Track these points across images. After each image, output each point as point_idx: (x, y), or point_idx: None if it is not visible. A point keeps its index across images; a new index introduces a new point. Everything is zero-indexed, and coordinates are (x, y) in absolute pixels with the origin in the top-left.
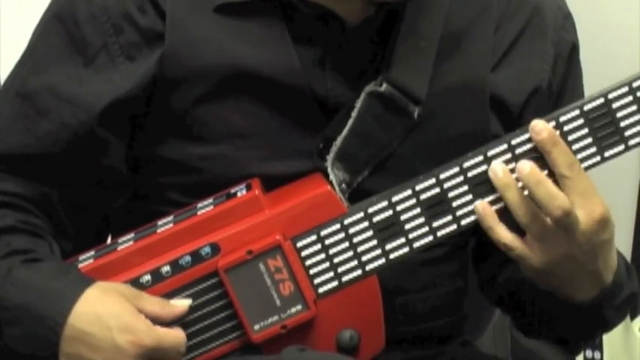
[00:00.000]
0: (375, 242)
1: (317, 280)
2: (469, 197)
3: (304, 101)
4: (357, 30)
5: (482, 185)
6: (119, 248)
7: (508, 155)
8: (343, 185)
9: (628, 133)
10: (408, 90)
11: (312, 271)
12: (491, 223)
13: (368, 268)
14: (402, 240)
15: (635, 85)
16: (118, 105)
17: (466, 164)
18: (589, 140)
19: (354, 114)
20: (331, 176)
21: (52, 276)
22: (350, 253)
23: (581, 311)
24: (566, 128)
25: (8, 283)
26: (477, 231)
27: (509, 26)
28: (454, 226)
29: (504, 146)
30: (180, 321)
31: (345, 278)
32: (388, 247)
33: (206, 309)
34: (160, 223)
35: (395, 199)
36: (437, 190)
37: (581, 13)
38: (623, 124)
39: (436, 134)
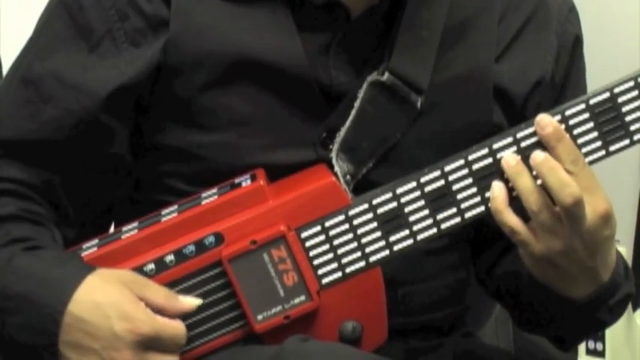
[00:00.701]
0: (379, 234)
1: (321, 271)
2: (473, 190)
3: (308, 90)
4: (361, 19)
5: (486, 178)
6: (123, 237)
7: (513, 148)
8: (348, 176)
9: (633, 127)
10: (410, 80)
11: (315, 262)
12: (502, 206)
13: (372, 259)
14: (406, 232)
15: None
16: (122, 91)
17: (471, 157)
18: (594, 134)
19: (356, 104)
20: (336, 167)
21: (52, 264)
22: (354, 245)
23: (575, 308)
24: (571, 122)
25: (9, 271)
26: (476, 223)
27: (514, 17)
28: (458, 219)
29: (510, 139)
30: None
31: (348, 269)
32: (392, 238)
33: (209, 298)
34: (164, 212)
35: (399, 190)
36: (441, 182)
37: (585, 7)
38: (628, 118)
39: (440, 124)
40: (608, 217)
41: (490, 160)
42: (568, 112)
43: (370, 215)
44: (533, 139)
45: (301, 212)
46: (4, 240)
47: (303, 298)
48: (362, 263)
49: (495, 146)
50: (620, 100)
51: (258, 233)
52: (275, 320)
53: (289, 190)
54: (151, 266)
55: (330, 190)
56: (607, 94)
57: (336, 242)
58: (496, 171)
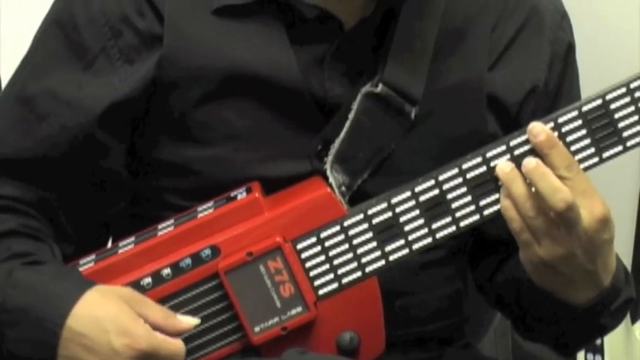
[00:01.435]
0: (374, 244)
1: (317, 282)
2: (468, 198)
3: (303, 103)
4: (354, 31)
5: (481, 186)
6: (120, 251)
7: (507, 156)
8: (343, 188)
9: (626, 133)
10: (404, 90)
11: (312, 273)
12: (512, 213)
13: (368, 269)
14: (402, 242)
15: (633, 85)
16: (117, 108)
17: (465, 165)
18: (587, 141)
19: (351, 115)
20: (330, 179)
21: (52, 278)
22: (350, 255)
23: (577, 314)
24: (564, 129)
25: (9, 285)
26: (475, 232)
27: (507, 26)
28: (453, 228)
29: (503, 147)
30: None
31: (345, 280)
32: (388, 248)
33: (206, 311)
34: (160, 226)
35: (394, 200)
36: (436, 191)
37: (580, 13)
38: (621, 124)
39: (434, 134)
40: (606, 220)
41: (484, 168)
42: (561, 120)
43: (365, 225)
44: (526, 147)
45: (297, 224)
46: (5, 255)
47: (299, 309)
48: (358, 273)
49: (489, 154)
50: (613, 106)
51: (255, 245)
52: (272, 332)
53: (285, 202)
54: (148, 280)
55: (325, 201)
56: (599, 101)
57: (332, 253)
58: (490, 179)
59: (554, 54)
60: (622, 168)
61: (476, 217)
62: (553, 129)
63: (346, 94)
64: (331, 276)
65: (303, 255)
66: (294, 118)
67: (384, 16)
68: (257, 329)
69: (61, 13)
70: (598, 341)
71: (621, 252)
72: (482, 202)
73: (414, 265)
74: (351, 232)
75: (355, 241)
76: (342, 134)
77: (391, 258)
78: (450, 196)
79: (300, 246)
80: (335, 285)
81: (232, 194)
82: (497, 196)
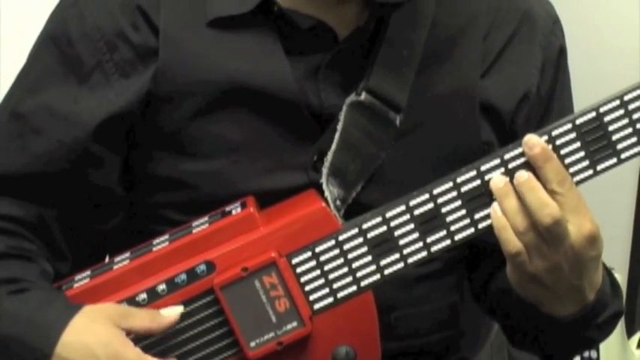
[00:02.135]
0: (369, 258)
1: (312, 297)
2: (462, 212)
3: (298, 113)
4: (348, 40)
5: (475, 200)
6: (115, 267)
7: (501, 170)
8: (338, 202)
9: (620, 146)
10: (387, 98)
11: (307, 288)
12: (507, 234)
13: (363, 283)
14: (397, 255)
15: (626, 98)
16: (112, 121)
17: (459, 179)
18: (582, 154)
19: (339, 126)
20: (326, 192)
21: (38, 306)
22: (345, 269)
23: (561, 327)
24: (558, 142)
25: None
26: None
27: (499, 33)
28: (448, 241)
29: (497, 161)
30: (176, 340)
31: (340, 294)
32: (383, 262)
33: (202, 327)
34: (155, 241)
35: (389, 214)
36: (430, 205)
37: (585, 13)
38: (615, 137)
39: (426, 144)
40: (593, 238)
41: (478, 181)
42: (555, 132)
43: (360, 240)
44: (520, 160)
45: (292, 238)
46: None
47: (295, 324)
48: (353, 288)
49: (483, 168)
50: (607, 119)
51: (249, 260)
52: (268, 347)
53: (279, 217)
54: (143, 296)
55: (320, 215)
56: (593, 114)
57: (327, 267)
58: (485, 192)
59: (545, 59)
60: (619, 179)
61: (470, 230)
62: (547, 142)
63: (342, 103)
64: (326, 290)
65: (298, 270)
66: (291, 130)
67: (377, 26)
68: (253, 344)
69: (56, 29)
70: (594, 355)
71: (617, 265)
72: (477, 216)
73: (409, 278)
74: (346, 247)
75: (350, 256)
76: (334, 146)
77: (386, 272)
78: (444, 209)
79: (295, 261)
80: (330, 299)
81: (227, 209)
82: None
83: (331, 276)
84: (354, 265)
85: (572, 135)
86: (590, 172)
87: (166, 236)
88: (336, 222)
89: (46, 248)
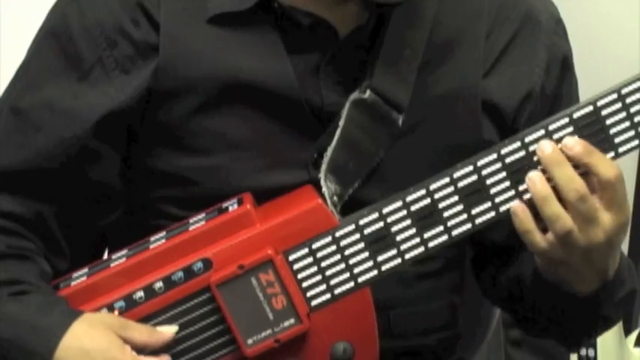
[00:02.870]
0: (366, 254)
1: (309, 294)
2: (460, 208)
3: (299, 111)
4: (349, 38)
5: (472, 195)
6: (112, 265)
7: (498, 165)
8: (335, 198)
9: (618, 140)
10: (391, 98)
11: (304, 285)
12: (531, 226)
13: (360, 280)
14: (394, 252)
15: (623, 92)
16: (112, 117)
17: (456, 174)
18: None
19: (340, 123)
20: (324, 188)
21: (38, 310)
22: (342, 266)
23: (580, 304)
24: (555, 136)
25: None
26: (474, 241)
27: (501, 32)
28: (445, 237)
29: (494, 156)
30: (173, 337)
31: (337, 291)
32: (380, 258)
33: (199, 324)
34: (152, 239)
35: (386, 210)
36: (427, 201)
37: (580, 14)
38: (612, 131)
39: (426, 142)
40: (627, 223)
41: (475, 177)
42: (552, 127)
43: (357, 236)
44: (517, 155)
45: (288, 235)
46: None
47: (292, 321)
48: (351, 284)
49: (480, 163)
50: (604, 112)
51: (246, 258)
52: (265, 344)
53: (276, 214)
54: (140, 294)
55: (317, 212)
56: (590, 108)
57: (324, 264)
58: (482, 188)
59: (550, 59)
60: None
61: (468, 225)
62: (544, 136)
63: (342, 101)
64: (324, 287)
65: (295, 266)
66: (292, 127)
67: (378, 24)
68: (250, 342)
69: (56, 25)
70: (592, 353)
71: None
72: (474, 211)
73: (409, 276)
74: (343, 243)
75: (347, 252)
76: (333, 143)
77: (383, 268)
78: (441, 205)
79: (291, 257)
80: (327, 296)
81: (224, 206)
82: (489, 204)
83: (328, 272)
84: (352, 261)
85: (570, 129)
86: None
87: (163, 234)
88: (333, 218)
89: (44, 245)
